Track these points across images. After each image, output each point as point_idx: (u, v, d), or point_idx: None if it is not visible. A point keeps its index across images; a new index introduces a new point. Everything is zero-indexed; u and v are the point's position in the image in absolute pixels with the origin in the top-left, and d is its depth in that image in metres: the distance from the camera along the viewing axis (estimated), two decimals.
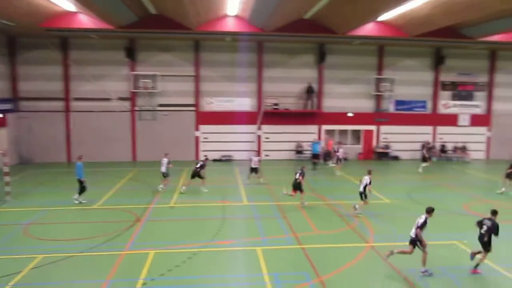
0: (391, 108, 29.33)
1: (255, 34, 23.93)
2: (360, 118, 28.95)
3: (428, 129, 29.68)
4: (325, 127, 28.81)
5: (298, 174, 16.05)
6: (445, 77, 29.44)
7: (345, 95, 28.61)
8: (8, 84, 25.35)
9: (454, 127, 29.83)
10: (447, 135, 29.69)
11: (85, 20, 22.36)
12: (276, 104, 27.84)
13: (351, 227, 13.76)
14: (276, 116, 27.87)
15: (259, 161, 20.71)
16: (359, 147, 29.55)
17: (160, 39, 26.16)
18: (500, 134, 29.96)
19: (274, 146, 28.37)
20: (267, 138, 28.38)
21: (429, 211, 9.94)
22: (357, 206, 15.00)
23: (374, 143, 29.50)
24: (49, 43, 25.64)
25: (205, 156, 20.56)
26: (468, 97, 29.92)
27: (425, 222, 9.82)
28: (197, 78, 27.20)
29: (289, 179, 16.65)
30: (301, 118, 28.16)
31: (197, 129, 27.75)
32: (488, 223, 9.97)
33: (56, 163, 25.88)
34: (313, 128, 28.65)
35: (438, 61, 28.74)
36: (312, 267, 10.34)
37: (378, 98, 28.89)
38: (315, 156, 25.16)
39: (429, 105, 29.60)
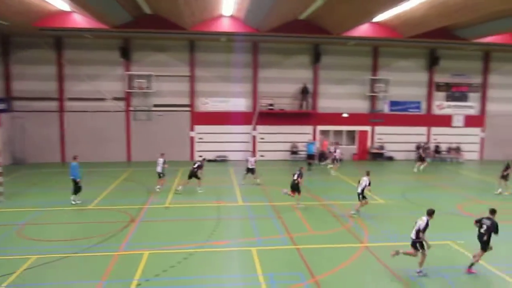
0: (385, 108, 29.43)
1: (250, 34, 23.92)
2: (355, 118, 29.03)
3: (423, 129, 29.80)
4: (320, 127, 28.85)
5: (296, 175, 16.05)
6: (439, 78, 29.60)
7: (340, 95, 28.68)
8: (1, 83, 25.16)
9: (448, 128, 29.97)
10: (441, 136, 29.80)
11: (79, 20, 22.23)
12: (271, 105, 27.84)
13: (346, 227, 13.80)
14: (271, 117, 27.87)
15: (255, 161, 20.73)
16: (353, 148, 29.64)
17: (155, 39, 26.08)
18: (494, 135, 30.16)
19: (269, 146, 28.37)
20: (262, 138, 28.37)
21: (430, 213, 9.90)
22: (360, 210, 15.02)
23: (368, 143, 29.59)
24: (43, 43, 25.48)
25: (201, 156, 20.52)
26: (462, 98, 30.10)
27: (427, 225, 9.80)
28: (192, 78, 27.16)
29: (284, 179, 16.69)
30: (296, 118, 28.18)
31: (192, 129, 27.69)
32: (488, 222, 10.03)
33: (50, 163, 25.69)
34: (308, 128, 28.68)
35: (432, 62, 28.89)
36: (307, 268, 10.36)
37: (373, 99, 29.00)
38: (310, 156, 25.24)
39: (424, 106, 29.74)
